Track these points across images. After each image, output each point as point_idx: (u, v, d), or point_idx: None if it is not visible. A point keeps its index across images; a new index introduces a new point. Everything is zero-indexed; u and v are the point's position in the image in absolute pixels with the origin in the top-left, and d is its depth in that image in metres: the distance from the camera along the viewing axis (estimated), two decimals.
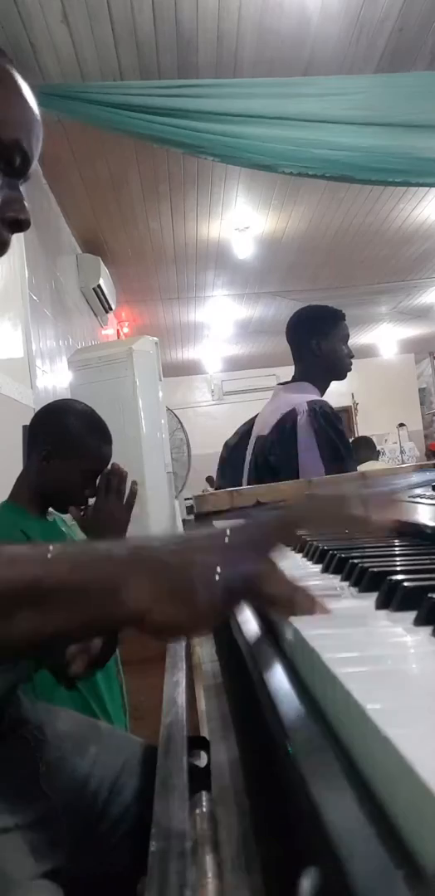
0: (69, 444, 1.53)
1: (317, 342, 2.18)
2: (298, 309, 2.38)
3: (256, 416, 2.40)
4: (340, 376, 2.24)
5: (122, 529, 1.50)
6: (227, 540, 0.49)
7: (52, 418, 1.62)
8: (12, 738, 0.85)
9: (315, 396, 2.15)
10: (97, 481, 1.53)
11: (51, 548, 0.48)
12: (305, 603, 0.43)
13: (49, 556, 0.48)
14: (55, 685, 1.40)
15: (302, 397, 2.13)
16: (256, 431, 2.30)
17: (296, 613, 0.43)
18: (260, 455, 2.17)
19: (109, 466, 1.54)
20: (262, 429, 2.23)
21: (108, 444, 1.58)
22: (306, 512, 0.54)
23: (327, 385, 2.23)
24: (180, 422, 8.11)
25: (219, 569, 0.46)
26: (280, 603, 0.45)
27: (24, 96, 0.77)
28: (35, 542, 0.50)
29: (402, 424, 10.41)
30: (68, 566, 0.48)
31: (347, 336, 2.25)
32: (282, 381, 2.34)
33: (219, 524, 0.83)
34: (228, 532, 0.50)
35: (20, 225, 0.78)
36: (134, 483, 1.55)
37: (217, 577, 0.46)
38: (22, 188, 0.78)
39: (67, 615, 0.47)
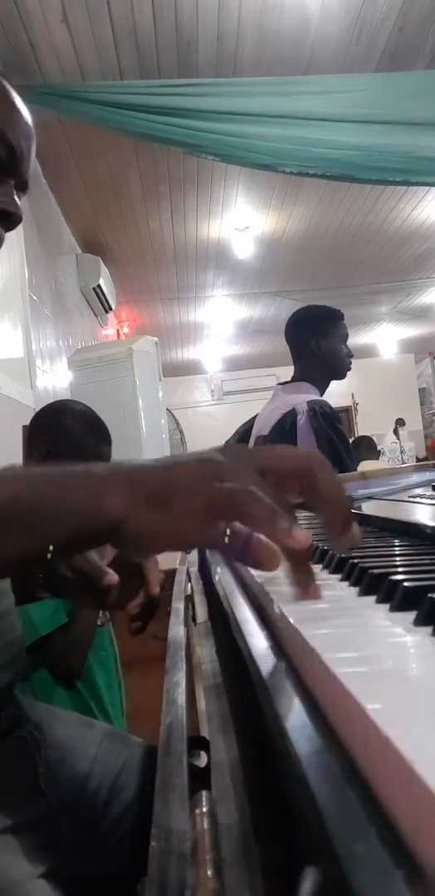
0: (68, 445, 1.53)
1: (316, 342, 2.18)
2: (296, 309, 2.38)
3: (256, 416, 2.40)
4: (340, 376, 2.24)
5: None
6: (215, 451, 0.50)
7: (51, 419, 1.61)
8: (11, 738, 0.85)
9: (315, 396, 2.15)
10: None
11: (27, 468, 0.50)
12: (285, 526, 0.44)
13: (28, 473, 0.51)
14: (54, 685, 1.40)
15: (302, 397, 2.13)
16: (255, 431, 2.30)
17: (275, 537, 0.44)
18: None
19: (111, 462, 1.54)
20: (261, 429, 2.23)
21: (108, 444, 1.58)
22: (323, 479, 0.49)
23: (327, 385, 2.23)
24: (177, 421, 8.12)
25: (202, 480, 0.47)
26: (261, 522, 0.45)
27: (9, 96, 0.77)
28: (13, 465, 0.52)
29: (400, 420, 10.36)
30: (47, 482, 0.49)
31: (346, 336, 2.25)
32: (281, 381, 2.34)
33: None
34: (210, 452, 0.50)
35: (10, 218, 0.77)
36: None
37: (196, 486, 0.46)
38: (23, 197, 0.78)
39: (50, 529, 0.48)
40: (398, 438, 10.00)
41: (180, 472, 0.48)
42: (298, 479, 0.49)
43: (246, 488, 0.46)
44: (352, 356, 2.25)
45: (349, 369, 2.26)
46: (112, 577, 0.73)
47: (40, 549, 0.49)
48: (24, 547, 0.48)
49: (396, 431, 10.03)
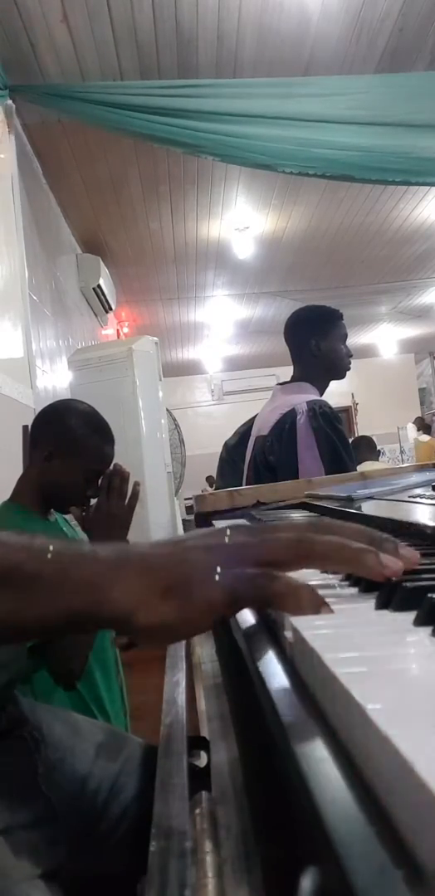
0: (71, 445, 1.53)
1: (316, 342, 2.18)
2: (295, 309, 2.38)
3: (256, 416, 2.40)
4: (340, 375, 2.24)
5: (123, 530, 1.50)
6: (227, 539, 0.48)
7: (55, 418, 1.61)
8: (11, 738, 0.85)
9: (314, 396, 2.15)
10: (99, 481, 1.53)
11: (35, 537, 0.48)
12: (311, 600, 0.42)
13: (32, 544, 0.48)
14: (54, 686, 1.40)
15: (301, 397, 2.13)
16: (255, 431, 2.30)
17: (302, 611, 0.42)
18: (259, 455, 2.17)
19: (112, 467, 1.54)
20: (261, 429, 2.23)
21: (111, 444, 1.58)
22: (319, 538, 0.47)
23: (327, 385, 2.23)
24: (175, 421, 8.12)
25: (218, 567, 0.45)
26: (286, 602, 0.43)
27: None
28: (20, 532, 0.50)
29: (420, 420, 10.33)
30: (51, 557, 0.47)
31: (346, 335, 2.25)
32: (281, 382, 2.34)
33: (218, 524, 0.82)
34: (227, 531, 0.48)
35: None
36: (136, 484, 1.55)
37: (216, 576, 0.45)
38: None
39: (48, 605, 0.46)
40: (398, 439, 10.01)
41: (191, 562, 0.46)
42: (298, 558, 0.47)
43: (265, 572, 0.45)
44: (351, 356, 2.25)
45: (349, 369, 2.25)
46: None
47: (34, 624, 0.47)
48: (14, 616, 0.46)
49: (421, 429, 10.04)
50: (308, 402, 2.09)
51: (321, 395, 2.20)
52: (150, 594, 0.45)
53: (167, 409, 7.41)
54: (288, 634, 0.38)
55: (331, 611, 0.42)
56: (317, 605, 0.42)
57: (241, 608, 0.46)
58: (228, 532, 0.48)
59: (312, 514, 1.08)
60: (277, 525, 0.51)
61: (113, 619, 0.46)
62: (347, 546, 0.46)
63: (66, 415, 1.61)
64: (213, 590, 0.44)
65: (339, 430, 2.08)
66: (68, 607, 0.46)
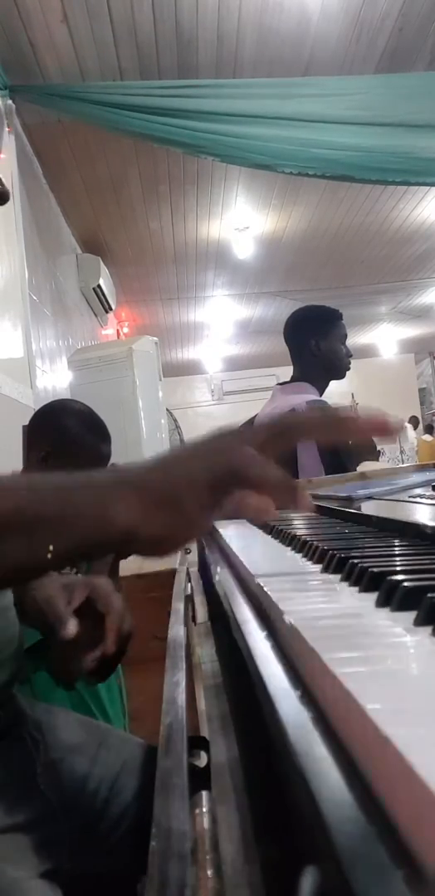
0: (68, 444, 1.52)
1: (316, 343, 2.18)
2: (295, 310, 2.38)
3: (256, 416, 2.40)
4: (339, 376, 2.24)
5: None
6: (205, 440, 0.51)
7: (51, 418, 1.61)
8: (11, 739, 0.85)
9: (314, 396, 2.15)
10: None
11: (30, 477, 0.49)
12: (289, 487, 0.47)
13: (30, 484, 0.50)
14: (54, 686, 1.40)
15: (301, 397, 2.13)
16: None
17: (281, 499, 0.47)
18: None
19: (108, 466, 1.54)
20: None
21: (107, 443, 1.58)
22: (297, 418, 0.53)
23: (326, 385, 2.23)
24: (176, 421, 8.12)
25: (200, 466, 0.48)
26: (266, 485, 0.47)
27: None
28: (15, 474, 0.52)
29: (414, 419, 10.37)
30: (52, 493, 0.49)
31: (346, 335, 2.25)
32: (281, 382, 2.34)
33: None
34: (206, 435, 0.52)
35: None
36: None
37: (199, 476, 0.48)
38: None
39: (57, 540, 0.47)
40: (398, 439, 10.01)
41: (182, 468, 0.49)
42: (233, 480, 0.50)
43: (246, 458, 0.49)
44: (351, 356, 2.25)
45: (348, 369, 2.25)
46: (69, 631, 0.73)
47: (41, 559, 0.48)
48: (25, 556, 0.48)
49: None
50: (308, 403, 2.09)
51: (321, 395, 2.20)
52: (149, 508, 0.47)
53: (168, 410, 7.43)
54: (288, 634, 0.38)
55: (310, 506, 0.48)
56: (294, 493, 0.48)
57: (226, 496, 0.49)
58: (207, 435, 0.52)
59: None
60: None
61: (119, 537, 0.48)
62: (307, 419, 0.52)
63: (62, 414, 1.60)
64: (200, 491, 0.48)
65: None
66: (78, 536, 0.48)
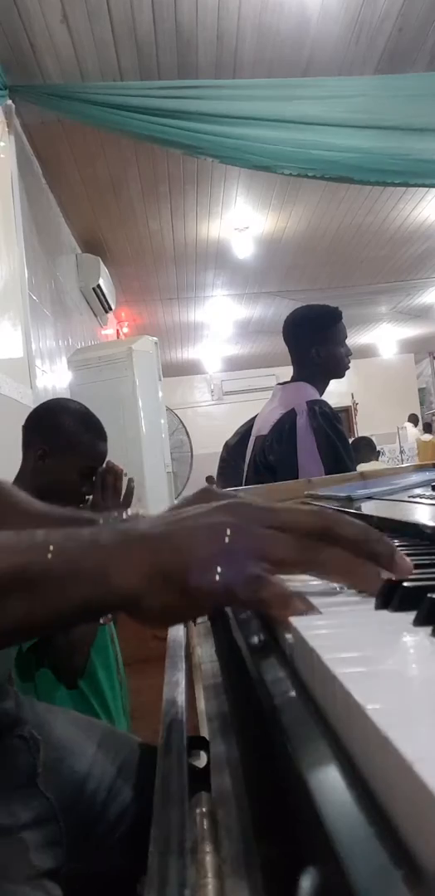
0: (64, 443, 1.53)
1: (316, 350, 2.17)
2: (294, 309, 2.37)
3: (256, 416, 2.40)
4: (339, 376, 2.24)
5: None
6: (232, 519, 0.47)
7: (47, 417, 1.61)
8: (10, 738, 0.85)
9: (314, 396, 2.15)
10: (94, 479, 1.53)
11: (34, 534, 0.48)
12: (299, 607, 0.42)
13: (33, 542, 0.48)
14: (57, 685, 1.40)
15: (301, 397, 2.13)
16: (255, 431, 2.30)
17: (288, 615, 0.42)
18: (259, 455, 2.17)
19: (104, 465, 1.54)
20: (261, 429, 2.23)
21: (104, 441, 1.58)
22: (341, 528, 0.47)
23: (326, 384, 2.23)
24: (182, 421, 8.13)
25: (219, 555, 0.45)
26: (275, 607, 0.43)
27: None
28: (18, 531, 0.51)
29: (413, 417, 10.38)
30: (54, 552, 0.47)
31: (345, 336, 2.25)
32: (281, 381, 2.34)
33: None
34: (232, 508, 0.48)
35: None
36: (130, 480, 1.55)
37: (216, 567, 0.44)
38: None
39: (57, 601, 0.46)
40: (398, 439, 10.02)
41: (196, 542, 0.46)
42: (317, 537, 0.47)
43: (261, 577, 0.44)
44: (350, 354, 2.25)
45: (348, 368, 2.26)
46: None
47: (42, 621, 0.47)
48: (24, 615, 0.46)
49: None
50: (308, 402, 2.09)
51: (321, 394, 2.20)
52: (154, 578, 0.45)
53: (172, 410, 7.43)
54: (288, 634, 0.38)
55: (318, 612, 0.42)
56: (304, 609, 0.42)
57: (235, 603, 0.46)
58: (233, 509, 0.48)
59: None
60: (288, 509, 0.49)
61: (120, 604, 0.46)
62: (352, 563, 0.46)
63: (59, 413, 1.61)
64: (212, 581, 0.44)
65: (338, 429, 2.08)
66: (79, 599, 0.46)
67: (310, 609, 0.42)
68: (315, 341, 2.18)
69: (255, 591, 0.44)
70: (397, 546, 0.66)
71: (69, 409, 1.63)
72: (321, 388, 2.20)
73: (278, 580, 0.45)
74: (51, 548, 0.47)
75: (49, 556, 0.46)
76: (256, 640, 0.42)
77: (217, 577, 0.44)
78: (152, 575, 0.45)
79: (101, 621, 1.48)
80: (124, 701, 1.62)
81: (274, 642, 0.41)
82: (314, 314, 2.29)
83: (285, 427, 2.09)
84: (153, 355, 3.99)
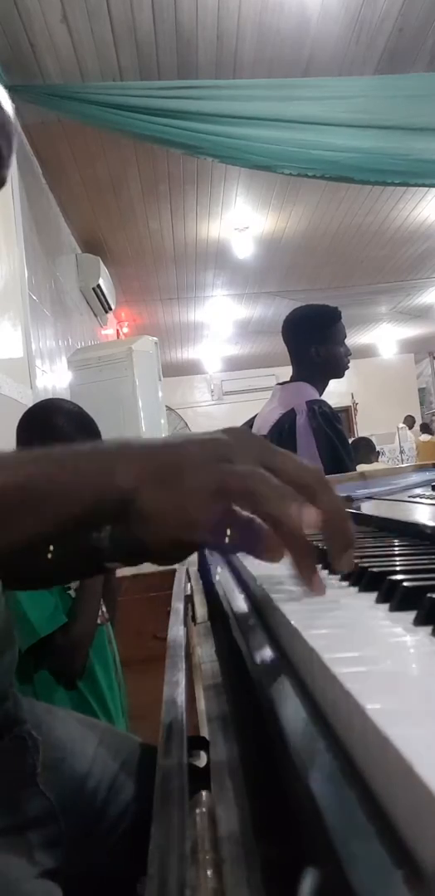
0: (58, 443, 1.53)
1: (316, 350, 2.18)
2: (293, 309, 2.37)
3: (256, 416, 2.40)
4: (339, 375, 2.25)
5: None
6: (219, 437, 0.50)
7: (40, 417, 1.61)
8: (10, 738, 0.85)
9: (314, 396, 2.15)
10: None
11: (35, 451, 0.50)
12: (295, 517, 0.44)
13: (36, 456, 0.50)
14: (55, 686, 1.40)
15: (301, 397, 2.13)
16: (254, 431, 2.30)
17: (284, 516, 0.44)
18: None
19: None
20: (261, 429, 2.23)
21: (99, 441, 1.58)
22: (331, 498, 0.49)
23: (326, 384, 2.23)
24: (184, 422, 8.13)
25: (208, 457, 0.47)
26: (271, 501, 0.45)
27: None
28: (19, 450, 0.53)
29: (410, 418, 10.40)
30: (58, 462, 0.49)
31: (345, 335, 2.25)
32: (281, 381, 2.34)
33: None
34: (219, 434, 0.50)
35: None
36: None
37: (206, 464, 0.46)
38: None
39: (62, 509, 0.48)
40: (398, 439, 10.03)
41: (190, 449, 0.48)
42: (297, 489, 0.48)
43: (255, 471, 0.46)
44: (350, 354, 2.25)
45: (348, 367, 2.26)
46: None
47: (52, 530, 0.49)
48: (37, 527, 0.48)
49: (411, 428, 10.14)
50: (308, 403, 2.10)
51: (321, 394, 2.20)
52: (148, 476, 0.46)
53: (174, 409, 7.41)
54: (288, 634, 0.38)
55: (316, 521, 0.45)
56: (299, 515, 0.44)
57: (230, 501, 0.47)
58: (233, 433, 0.51)
59: None
60: (283, 453, 0.51)
61: (118, 505, 0.47)
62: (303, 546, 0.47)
63: (52, 414, 1.61)
64: (205, 476, 0.46)
65: (338, 429, 2.08)
66: (81, 505, 0.48)
67: (307, 514, 0.44)
68: (314, 341, 2.18)
69: (250, 483, 0.45)
70: (397, 546, 0.66)
71: (63, 408, 1.63)
72: (321, 388, 2.21)
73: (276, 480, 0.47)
74: (56, 457, 0.50)
75: (56, 465, 0.49)
76: (255, 640, 0.42)
77: (208, 472, 0.46)
78: (147, 471, 0.46)
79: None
80: (123, 701, 1.62)
81: (274, 642, 0.41)
82: (313, 314, 2.29)
83: (285, 427, 2.09)
84: (153, 355, 3.98)
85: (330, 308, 2.26)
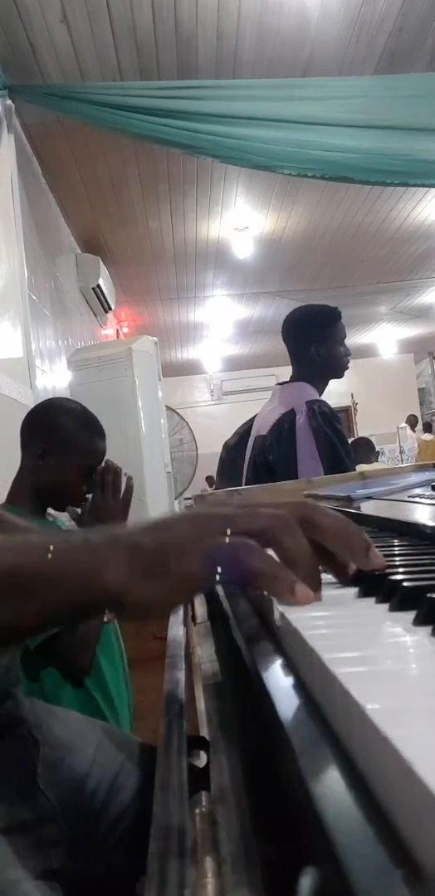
0: (63, 442, 1.53)
1: (316, 349, 2.18)
2: (294, 309, 2.37)
3: (255, 416, 2.40)
4: (338, 376, 2.25)
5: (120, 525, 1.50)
6: (213, 511, 0.50)
7: (45, 417, 1.62)
8: (10, 738, 0.85)
9: (314, 396, 2.15)
10: (93, 478, 1.53)
11: (28, 537, 0.50)
12: (289, 583, 0.43)
13: (27, 545, 0.50)
14: (63, 684, 1.40)
15: (301, 397, 2.13)
16: (254, 431, 2.30)
17: (278, 593, 0.43)
18: (259, 455, 2.17)
19: (103, 463, 1.55)
20: (260, 428, 2.23)
21: (102, 439, 1.58)
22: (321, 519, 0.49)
23: (326, 384, 2.23)
24: (186, 421, 8.12)
25: (199, 539, 0.47)
26: (263, 578, 0.45)
27: None
28: (11, 533, 0.53)
29: (412, 418, 10.40)
30: (47, 554, 0.48)
31: (345, 335, 2.25)
32: (281, 381, 2.34)
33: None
34: (211, 510, 0.51)
35: None
36: (129, 478, 1.56)
37: (190, 547, 0.46)
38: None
39: (48, 601, 0.48)
40: (398, 439, 10.03)
41: (178, 533, 0.48)
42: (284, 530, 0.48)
43: (244, 543, 0.46)
44: (350, 355, 2.25)
45: (347, 368, 2.26)
46: None
47: (37, 620, 0.49)
48: (20, 618, 0.48)
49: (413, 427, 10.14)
50: (307, 403, 2.10)
51: (320, 394, 2.20)
52: (136, 575, 0.47)
53: (175, 410, 7.41)
54: (287, 634, 0.38)
55: (309, 597, 0.43)
56: (293, 589, 0.43)
57: (221, 581, 0.47)
58: (217, 504, 0.50)
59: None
60: (267, 503, 0.51)
61: (107, 601, 0.48)
62: (341, 527, 0.48)
63: (56, 413, 1.61)
64: (191, 565, 0.46)
65: (338, 429, 2.08)
66: (68, 599, 0.48)
67: (299, 591, 0.43)
68: (315, 340, 2.18)
69: (241, 561, 0.45)
70: (397, 546, 0.66)
71: (67, 408, 1.63)
72: (320, 388, 2.21)
73: (267, 553, 0.47)
74: (49, 548, 0.48)
75: (46, 556, 0.48)
76: (255, 639, 0.42)
77: (196, 557, 0.46)
78: (136, 568, 0.47)
79: (105, 619, 1.49)
80: (130, 699, 1.62)
81: (273, 642, 0.41)
82: (314, 313, 2.29)
83: (285, 427, 2.09)
84: (153, 355, 3.98)
85: (330, 308, 2.26)
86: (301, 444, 2.04)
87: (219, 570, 0.46)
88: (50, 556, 0.48)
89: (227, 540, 0.46)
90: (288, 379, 2.30)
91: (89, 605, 0.50)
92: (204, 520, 0.49)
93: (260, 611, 0.48)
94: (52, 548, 0.49)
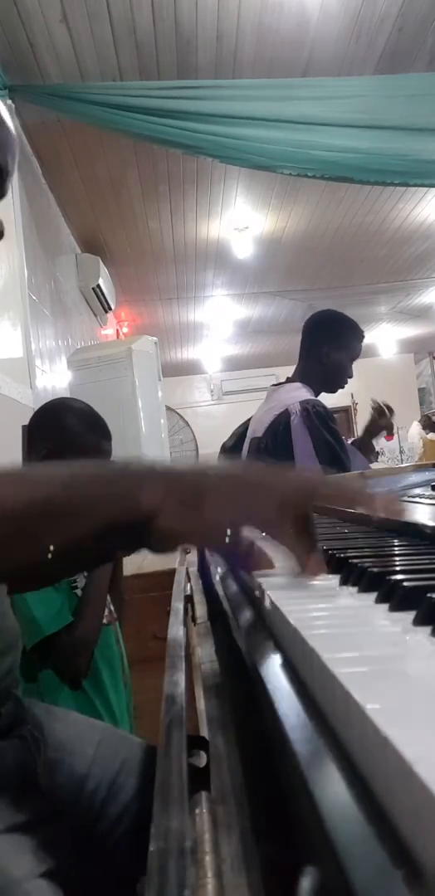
0: (69, 442, 1.53)
1: (327, 350, 2.17)
2: (325, 309, 2.37)
3: (250, 418, 2.40)
4: (333, 389, 2.23)
5: None
6: (241, 471, 0.56)
7: (51, 417, 1.62)
8: (10, 738, 0.85)
9: (309, 396, 2.14)
10: None
11: (73, 467, 0.54)
12: (302, 559, 0.51)
13: (71, 474, 0.54)
14: (60, 686, 1.40)
15: (294, 397, 2.13)
16: (250, 433, 2.30)
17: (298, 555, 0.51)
18: (255, 457, 2.17)
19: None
20: (256, 430, 2.23)
21: (108, 440, 1.58)
22: (324, 483, 0.57)
23: (321, 391, 2.22)
24: (186, 421, 8.12)
25: (232, 490, 0.52)
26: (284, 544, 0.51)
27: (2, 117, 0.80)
28: (53, 465, 0.59)
29: (427, 418, 10.40)
30: (90, 480, 0.53)
31: (357, 356, 2.24)
32: (275, 383, 2.34)
33: None
34: (245, 468, 0.57)
35: None
36: None
37: (230, 496, 0.52)
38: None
39: (89, 521, 0.51)
40: (398, 439, 10.02)
41: (213, 479, 0.53)
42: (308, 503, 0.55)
43: (275, 512, 0.52)
44: (351, 377, 2.24)
45: (342, 388, 2.25)
46: None
47: (75, 541, 0.52)
48: (60, 538, 0.51)
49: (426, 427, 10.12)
50: (301, 402, 2.09)
51: (316, 397, 2.19)
52: (171, 500, 0.50)
53: (175, 410, 7.40)
54: (287, 634, 0.38)
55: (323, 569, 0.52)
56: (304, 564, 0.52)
57: (244, 528, 0.52)
58: (246, 469, 0.58)
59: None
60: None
61: (140, 520, 0.51)
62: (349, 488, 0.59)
63: (63, 413, 1.61)
64: (226, 507, 0.51)
65: (333, 429, 2.07)
66: (107, 518, 0.52)
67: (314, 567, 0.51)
68: (330, 341, 2.17)
69: (270, 526, 0.52)
70: (397, 546, 0.66)
71: (73, 408, 1.63)
72: (316, 391, 2.20)
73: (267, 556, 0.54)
74: (89, 475, 0.54)
75: (86, 480, 0.53)
76: (255, 640, 0.42)
77: (228, 510, 0.51)
78: (172, 494, 0.51)
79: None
80: (129, 703, 1.61)
81: (273, 642, 0.41)
82: (343, 319, 2.27)
83: (280, 428, 2.08)
84: (153, 355, 3.98)
85: (359, 327, 2.26)
86: (298, 444, 2.03)
87: (247, 524, 0.51)
88: (92, 482, 0.53)
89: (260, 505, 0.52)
90: (289, 377, 2.30)
91: (123, 524, 0.52)
92: (238, 478, 0.54)
93: (260, 611, 0.48)
94: (94, 475, 0.54)
